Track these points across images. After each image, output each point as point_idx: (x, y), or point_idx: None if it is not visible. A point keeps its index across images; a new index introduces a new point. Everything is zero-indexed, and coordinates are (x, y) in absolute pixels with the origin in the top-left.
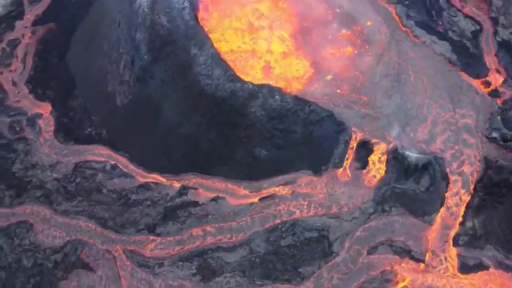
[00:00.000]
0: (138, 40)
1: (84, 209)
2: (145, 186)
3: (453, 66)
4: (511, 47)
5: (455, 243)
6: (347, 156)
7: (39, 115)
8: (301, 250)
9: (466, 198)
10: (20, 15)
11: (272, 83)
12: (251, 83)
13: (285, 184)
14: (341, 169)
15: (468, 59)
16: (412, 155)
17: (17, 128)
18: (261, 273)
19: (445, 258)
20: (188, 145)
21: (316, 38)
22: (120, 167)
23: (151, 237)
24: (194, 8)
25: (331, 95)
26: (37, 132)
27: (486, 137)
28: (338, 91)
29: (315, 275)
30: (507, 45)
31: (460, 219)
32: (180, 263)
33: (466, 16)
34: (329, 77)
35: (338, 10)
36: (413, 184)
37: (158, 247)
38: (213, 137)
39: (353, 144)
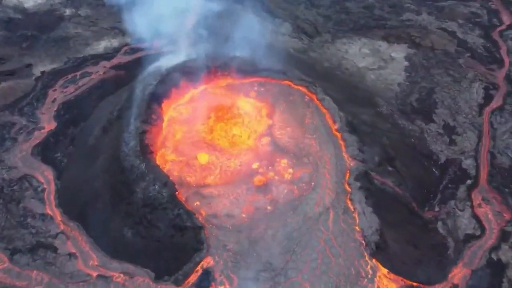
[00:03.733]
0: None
1: None
2: (44, 216)
3: (365, 247)
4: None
5: None
6: (190, 277)
7: (42, 126)
8: None
9: None
10: (110, 58)
11: None
12: (149, 163)
13: (123, 273)
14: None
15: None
16: None
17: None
18: None
19: None
20: (87, 195)
21: None
22: (45, 193)
23: (6, 259)
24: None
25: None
26: (23, 141)
27: None
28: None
29: None
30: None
31: None
32: None
33: (475, 216)
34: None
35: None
36: None
37: (2, 271)
38: (107, 200)
39: (201, 268)
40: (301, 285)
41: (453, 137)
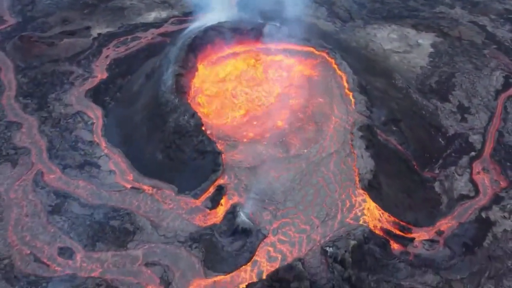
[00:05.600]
0: None
1: (51, 134)
2: (91, 143)
3: (358, 184)
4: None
5: None
6: (206, 192)
7: (95, 75)
8: (104, 233)
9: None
10: (158, 26)
11: None
12: (181, 99)
13: (151, 186)
14: (195, 200)
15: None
16: (242, 216)
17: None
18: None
19: None
20: (129, 127)
21: None
22: (94, 126)
23: (59, 171)
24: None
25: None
26: (79, 85)
27: (321, 247)
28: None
29: None
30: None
31: None
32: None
33: (472, 181)
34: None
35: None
36: (228, 242)
37: (54, 178)
38: (144, 130)
39: (215, 186)
40: (295, 214)
41: (465, 115)
